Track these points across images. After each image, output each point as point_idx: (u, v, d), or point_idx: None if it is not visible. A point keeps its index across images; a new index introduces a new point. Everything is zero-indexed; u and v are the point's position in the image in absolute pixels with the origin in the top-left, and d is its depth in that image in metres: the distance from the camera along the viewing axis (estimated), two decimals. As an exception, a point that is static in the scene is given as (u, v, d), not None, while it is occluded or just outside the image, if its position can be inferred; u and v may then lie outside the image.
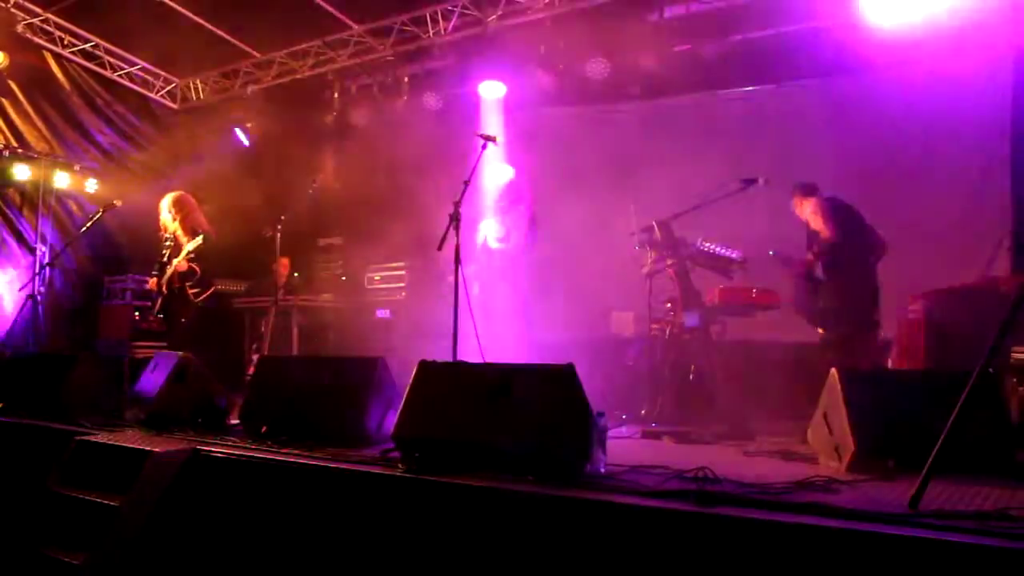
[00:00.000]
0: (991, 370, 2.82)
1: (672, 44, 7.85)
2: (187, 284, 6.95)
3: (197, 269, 6.96)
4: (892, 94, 7.35)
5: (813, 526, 2.58)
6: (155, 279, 7.15)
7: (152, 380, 5.55)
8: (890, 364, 6.16)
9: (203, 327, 7.15)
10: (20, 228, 9.38)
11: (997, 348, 2.83)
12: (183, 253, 6.84)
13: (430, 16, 8.47)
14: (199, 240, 6.77)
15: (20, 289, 8.93)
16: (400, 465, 3.63)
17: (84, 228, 8.05)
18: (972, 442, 3.18)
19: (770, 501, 2.88)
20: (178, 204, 7.13)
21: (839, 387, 3.82)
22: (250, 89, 9.91)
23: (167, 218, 7.12)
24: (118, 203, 7.86)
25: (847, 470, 3.62)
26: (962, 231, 7.03)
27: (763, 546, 2.62)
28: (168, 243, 7.09)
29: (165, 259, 7.07)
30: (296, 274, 9.32)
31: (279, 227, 7.35)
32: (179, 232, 7.02)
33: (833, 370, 3.93)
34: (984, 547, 2.32)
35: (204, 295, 7.05)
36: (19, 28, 8.98)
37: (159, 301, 7.11)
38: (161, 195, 7.27)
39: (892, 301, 5.75)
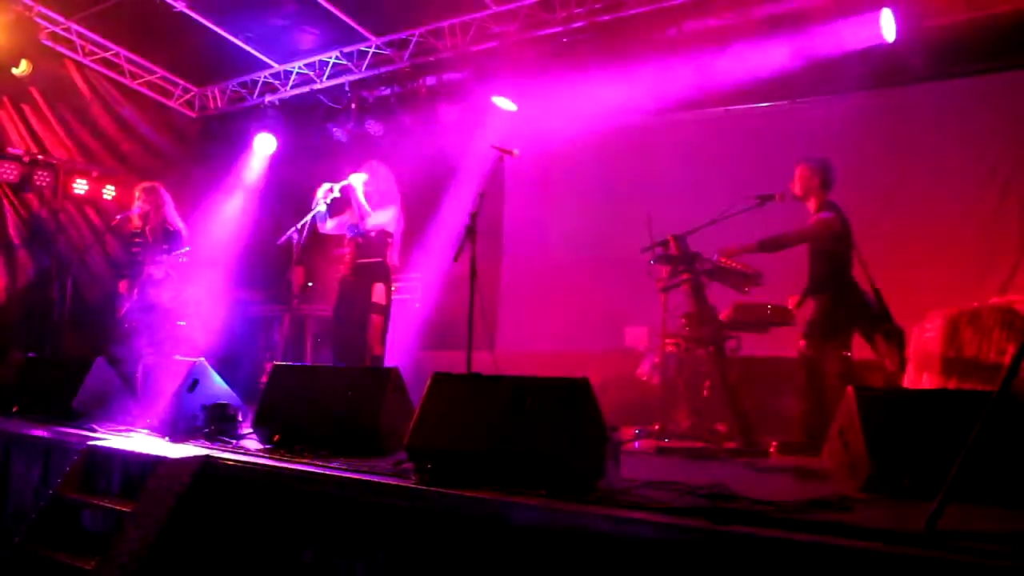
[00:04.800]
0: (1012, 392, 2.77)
1: (689, 59, 7.84)
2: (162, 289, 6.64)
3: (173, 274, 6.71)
4: (909, 109, 7.33)
5: (828, 544, 2.56)
6: (126, 280, 6.69)
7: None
8: (905, 383, 6.10)
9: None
10: (37, 233, 9.45)
11: (1016, 369, 2.79)
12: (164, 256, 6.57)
13: (448, 29, 8.51)
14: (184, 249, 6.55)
15: (37, 294, 8.98)
16: (412, 476, 3.62)
17: (102, 234, 8.10)
18: (992, 466, 3.14)
19: (784, 519, 2.85)
20: (157, 195, 6.84)
21: (855, 405, 3.79)
22: (267, 99, 9.98)
23: (145, 208, 6.75)
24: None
25: (862, 489, 3.59)
26: (978, 250, 6.99)
27: (777, 564, 2.60)
28: (138, 239, 6.75)
29: (139, 257, 6.66)
30: (310, 283, 9.34)
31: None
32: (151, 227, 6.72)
33: (849, 388, 3.89)
34: (1005, 568, 2.29)
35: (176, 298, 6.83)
36: (42, 36, 9.07)
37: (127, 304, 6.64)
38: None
39: (908, 320, 5.70)
